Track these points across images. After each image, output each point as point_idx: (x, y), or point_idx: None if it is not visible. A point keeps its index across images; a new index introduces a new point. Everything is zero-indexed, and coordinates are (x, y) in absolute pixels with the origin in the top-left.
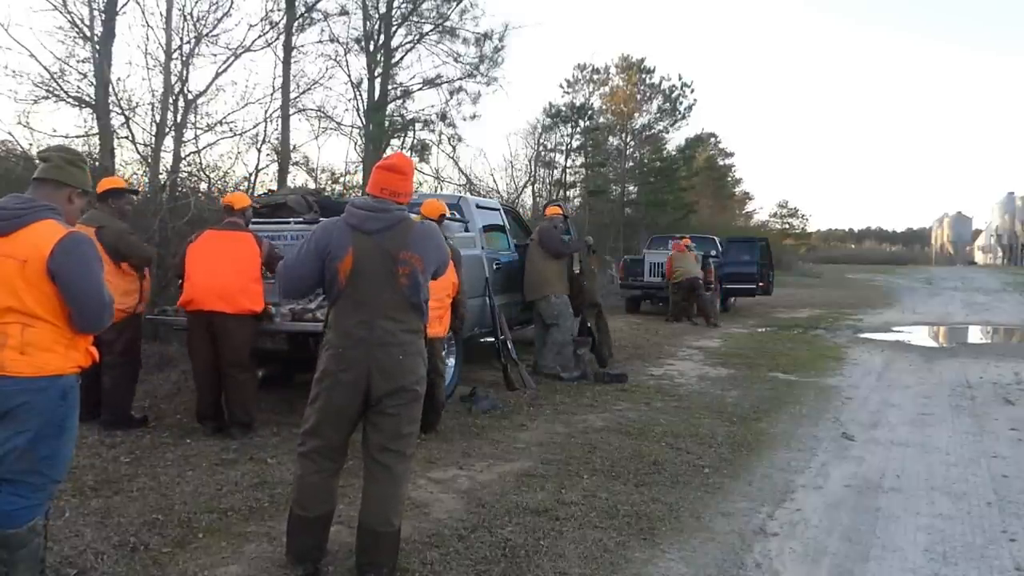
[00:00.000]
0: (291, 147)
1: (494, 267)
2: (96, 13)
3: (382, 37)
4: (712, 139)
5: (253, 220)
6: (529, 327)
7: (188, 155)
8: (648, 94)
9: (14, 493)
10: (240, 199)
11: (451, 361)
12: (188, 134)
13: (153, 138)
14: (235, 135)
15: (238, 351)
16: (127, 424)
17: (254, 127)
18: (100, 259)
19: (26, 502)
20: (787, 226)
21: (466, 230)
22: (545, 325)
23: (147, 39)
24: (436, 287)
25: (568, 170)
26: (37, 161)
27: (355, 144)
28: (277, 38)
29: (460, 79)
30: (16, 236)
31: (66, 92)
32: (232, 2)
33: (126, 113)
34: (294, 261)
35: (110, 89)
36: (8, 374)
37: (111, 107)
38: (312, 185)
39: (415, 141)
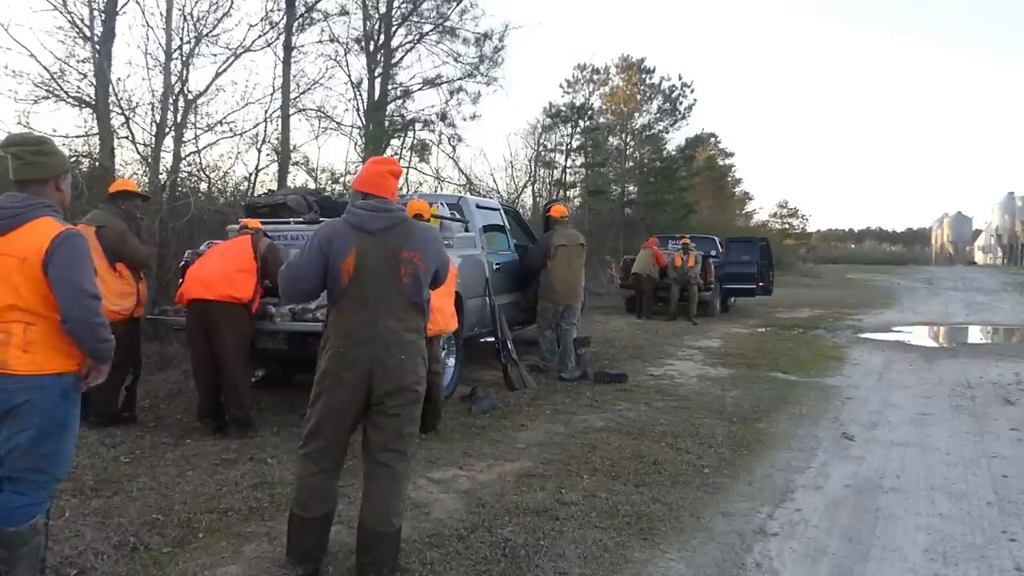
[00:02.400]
0: (291, 147)
1: (494, 267)
2: (96, 13)
3: (382, 37)
4: (712, 139)
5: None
6: (529, 327)
7: (188, 155)
8: (648, 94)
9: (16, 491)
10: (253, 223)
11: (451, 361)
12: (188, 134)
13: (153, 138)
14: (235, 135)
15: (229, 345)
16: (116, 421)
17: (254, 127)
18: (89, 254)
19: (28, 500)
20: (787, 226)
21: (466, 230)
22: (566, 326)
23: (147, 39)
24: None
25: (568, 170)
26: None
27: (355, 144)
28: (277, 38)
29: (460, 79)
30: (15, 235)
31: (66, 92)
32: (232, 2)
33: (126, 113)
34: (297, 262)
35: (110, 89)
36: (11, 372)
37: (111, 107)
38: (312, 185)
39: (415, 141)
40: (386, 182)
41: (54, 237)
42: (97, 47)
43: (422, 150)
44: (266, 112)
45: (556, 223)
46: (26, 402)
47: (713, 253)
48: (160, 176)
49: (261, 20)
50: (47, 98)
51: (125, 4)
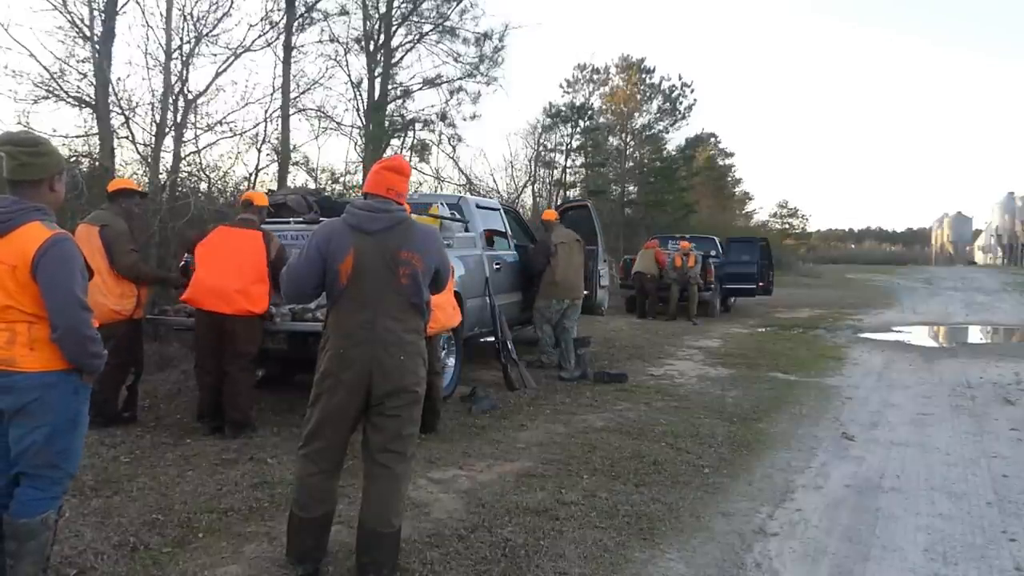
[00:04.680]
0: (291, 147)
1: (494, 267)
2: (96, 13)
3: (382, 37)
4: (712, 139)
5: None
6: (529, 327)
7: (188, 155)
8: (648, 94)
9: (32, 487)
10: (259, 197)
11: (451, 361)
12: (188, 134)
13: (153, 138)
14: (235, 135)
15: (241, 350)
16: (116, 421)
17: (254, 127)
18: (80, 259)
19: (43, 495)
20: (787, 226)
21: (466, 230)
22: (568, 324)
23: (147, 39)
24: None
25: (568, 170)
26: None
27: (355, 144)
28: (277, 38)
29: (460, 79)
30: (4, 240)
31: (66, 92)
32: (232, 2)
33: (126, 113)
34: (296, 263)
35: (110, 89)
36: (20, 369)
37: (111, 107)
38: (312, 185)
39: (415, 141)
40: (391, 179)
41: (41, 243)
42: (97, 47)
43: (422, 150)
44: (266, 112)
45: (553, 225)
46: (36, 399)
47: (713, 253)
48: (160, 176)
49: (261, 20)
50: (47, 98)
51: (125, 4)
